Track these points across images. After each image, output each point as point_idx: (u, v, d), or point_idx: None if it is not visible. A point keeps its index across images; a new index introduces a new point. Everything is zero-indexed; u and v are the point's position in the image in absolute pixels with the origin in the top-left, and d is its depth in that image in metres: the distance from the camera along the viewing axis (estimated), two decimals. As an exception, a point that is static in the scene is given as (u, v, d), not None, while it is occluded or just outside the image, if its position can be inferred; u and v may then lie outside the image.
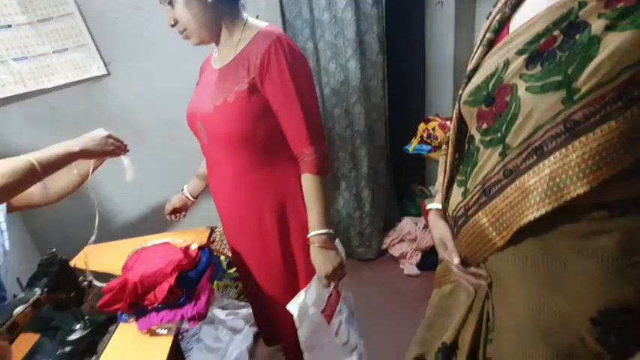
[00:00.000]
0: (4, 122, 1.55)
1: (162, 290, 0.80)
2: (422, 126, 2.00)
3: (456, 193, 0.68)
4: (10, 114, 1.54)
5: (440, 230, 0.74)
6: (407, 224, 2.11)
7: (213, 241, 1.69)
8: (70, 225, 1.68)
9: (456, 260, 0.69)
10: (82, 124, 1.10)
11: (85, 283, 0.89)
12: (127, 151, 1.04)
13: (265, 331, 1.32)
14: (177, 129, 1.37)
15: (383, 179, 2.13)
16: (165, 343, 0.83)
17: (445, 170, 0.73)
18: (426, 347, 1.09)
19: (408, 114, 2.21)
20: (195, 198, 1.24)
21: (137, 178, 1.06)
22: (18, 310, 0.70)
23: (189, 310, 0.82)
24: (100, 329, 0.88)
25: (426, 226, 2.05)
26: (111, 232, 1.55)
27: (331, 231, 0.91)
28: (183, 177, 1.28)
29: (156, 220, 1.60)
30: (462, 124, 0.69)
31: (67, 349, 0.83)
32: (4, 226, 1.06)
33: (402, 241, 2.10)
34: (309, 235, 0.91)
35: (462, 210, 0.66)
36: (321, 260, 0.90)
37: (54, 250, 0.84)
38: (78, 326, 0.88)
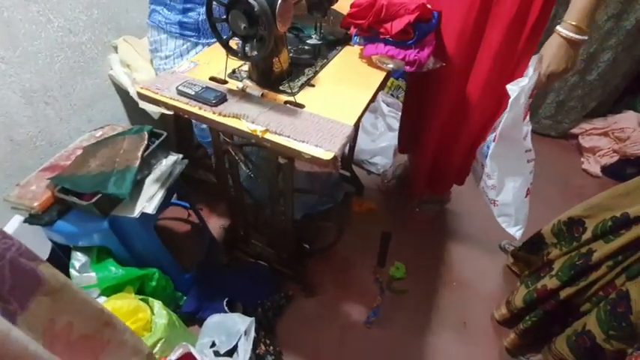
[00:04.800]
0: None
1: (400, 23, 0.84)
2: None
3: None
4: None
5: None
6: (626, 119, 1.70)
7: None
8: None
9: None
10: None
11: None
12: None
13: (406, 138, 1.43)
14: None
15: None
16: (376, 77, 0.93)
17: None
18: (592, 212, 1.02)
19: None
20: None
21: None
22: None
23: (412, 53, 0.87)
24: (330, 45, 1.02)
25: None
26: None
27: (586, 36, 0.79)
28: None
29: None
30: None
31: (305, 47, 1.01)
32: None
33: (604, 135, 1.75)
34: (563, 20, 0.80)
35: None
36: (558, 55, 0.81)
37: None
38: (314, 35, 1.04)
